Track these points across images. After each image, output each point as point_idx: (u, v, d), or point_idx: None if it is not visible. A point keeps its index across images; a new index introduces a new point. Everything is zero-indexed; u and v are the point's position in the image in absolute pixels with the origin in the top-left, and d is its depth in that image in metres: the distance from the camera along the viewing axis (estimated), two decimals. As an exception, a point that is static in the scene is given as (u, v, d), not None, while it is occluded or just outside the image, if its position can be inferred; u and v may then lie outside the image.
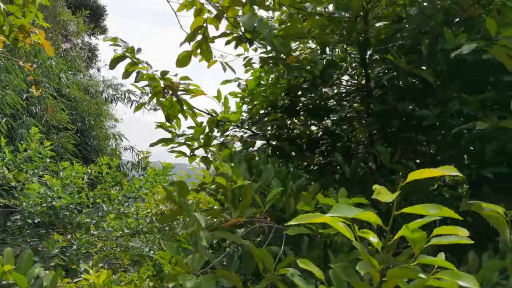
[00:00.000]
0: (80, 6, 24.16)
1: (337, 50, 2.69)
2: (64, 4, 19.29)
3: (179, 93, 2.32)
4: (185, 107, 2.50)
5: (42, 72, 11.23)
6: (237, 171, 1.68)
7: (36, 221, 7.17)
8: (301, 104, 2.62)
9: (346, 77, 2.86)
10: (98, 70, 22.94)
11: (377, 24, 2.28)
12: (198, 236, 1.46)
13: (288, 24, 2.06)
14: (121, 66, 2.48)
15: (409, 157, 2.46)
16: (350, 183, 2.44)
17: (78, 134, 12.01)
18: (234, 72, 2.77)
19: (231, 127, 2.64)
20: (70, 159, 10.58)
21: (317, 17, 2.15)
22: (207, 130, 2.55)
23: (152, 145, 2.31)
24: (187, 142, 2.42)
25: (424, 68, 2.40)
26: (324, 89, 2.32)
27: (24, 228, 7.24)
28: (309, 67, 2.39)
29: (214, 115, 2.61)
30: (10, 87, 9.59)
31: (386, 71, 2.28)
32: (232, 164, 1.94)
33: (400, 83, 2.33)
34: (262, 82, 2.90)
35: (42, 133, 10.39)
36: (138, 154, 11.58)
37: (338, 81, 2.73)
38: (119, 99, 13.82)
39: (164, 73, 2.24)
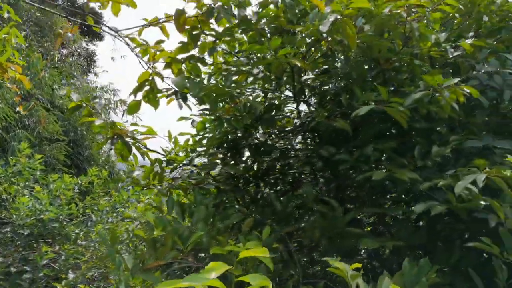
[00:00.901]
0: (76, 13, 24.47)
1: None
2: (63, 13, 19.56)
3: (128, 139, 2.61)
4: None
5: (35, 84, 11.56)
6: (158, 222, 1.97)
7: (25, 233, 7.49)
8: (244, 142, 2.91)
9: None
10: (96, 74, 23.28)
11: (303, 78, 2.57)
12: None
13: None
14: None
15: (337, 194, 2.76)
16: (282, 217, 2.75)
17: (71, 144, 12.33)
18: (190, 109, 3.07)
19: (181, 164, 2.94)
20: (62, 169, 10.91)
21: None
22: (157, 168, 2.85)
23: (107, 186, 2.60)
24: (135, 182, 2.72)
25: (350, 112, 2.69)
26: (257, 135, 2.62)
27: (15, 239, 7.57)
28: (246, 113, 2.68)
29: (165, 154, 2.92)
30: (3, 100, 9.90)
31: (309, 119, 2.57)
32: (165, 208, 2.24)
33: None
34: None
35: (34, 145, 10.73)
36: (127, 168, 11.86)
37: (280, 121, 3.03)
38: (111, 109, 14.15)
39: (112, 123, 2.54)
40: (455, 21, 2.91)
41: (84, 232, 7.79)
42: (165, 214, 2.27)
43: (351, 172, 2.78)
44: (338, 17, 2.09)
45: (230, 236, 2.41)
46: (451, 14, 2.66)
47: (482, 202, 1.93)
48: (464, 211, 1.99)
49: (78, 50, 22.03)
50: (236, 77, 2.56)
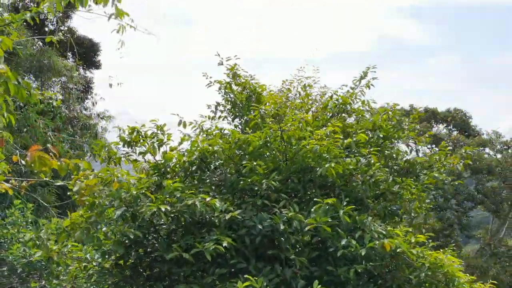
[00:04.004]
0: (75, 44, 26.60)
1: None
2: (58, 54, 21.75)
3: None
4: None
5: (30, 136, 13.75)
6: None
7: (19, 271, 9.66)
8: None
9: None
10: (93, 104, 25.29)
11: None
12: None
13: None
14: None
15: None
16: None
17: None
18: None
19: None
20: (53, 210, 13.12)
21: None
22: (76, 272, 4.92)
23: None
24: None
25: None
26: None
27: (11, 274, 9.79)
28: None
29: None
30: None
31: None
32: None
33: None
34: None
35: (28, 190, 12.89)
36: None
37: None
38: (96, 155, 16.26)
39: (46, 247, 4.61)
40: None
41: (65, 268, 9.94)
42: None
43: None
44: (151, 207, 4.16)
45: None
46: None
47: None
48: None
49: (75, 84, 23.74)
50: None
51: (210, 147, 4.71)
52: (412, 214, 6.17)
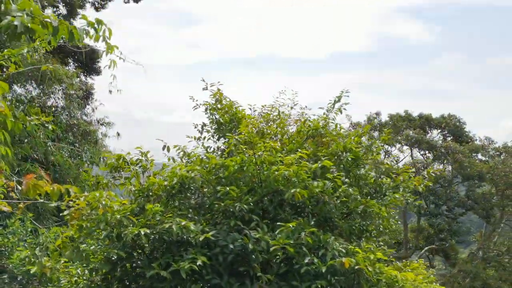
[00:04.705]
0: (75, 52, 27.15)
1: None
2: (59, 60, 22.25)
3: None
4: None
5: (31, 147, 14.31)
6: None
7: (19, 278, 10.23)
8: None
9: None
10: (93, 110, 25.73)
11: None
12: None
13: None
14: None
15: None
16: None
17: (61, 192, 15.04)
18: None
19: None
20: (52, 218, 13.67)
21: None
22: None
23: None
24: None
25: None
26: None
27: (12, 282, 10.38)
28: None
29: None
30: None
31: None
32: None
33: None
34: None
35: (28, 199, 13.46)
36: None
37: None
38: (94, 163, 16.79)
39: (41, 265, 5.12)
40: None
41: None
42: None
43: None
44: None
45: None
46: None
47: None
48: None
49: (75, 94, 24.09)
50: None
51: (188, 173, 5.21)
52: (381, 229, 6.64)
